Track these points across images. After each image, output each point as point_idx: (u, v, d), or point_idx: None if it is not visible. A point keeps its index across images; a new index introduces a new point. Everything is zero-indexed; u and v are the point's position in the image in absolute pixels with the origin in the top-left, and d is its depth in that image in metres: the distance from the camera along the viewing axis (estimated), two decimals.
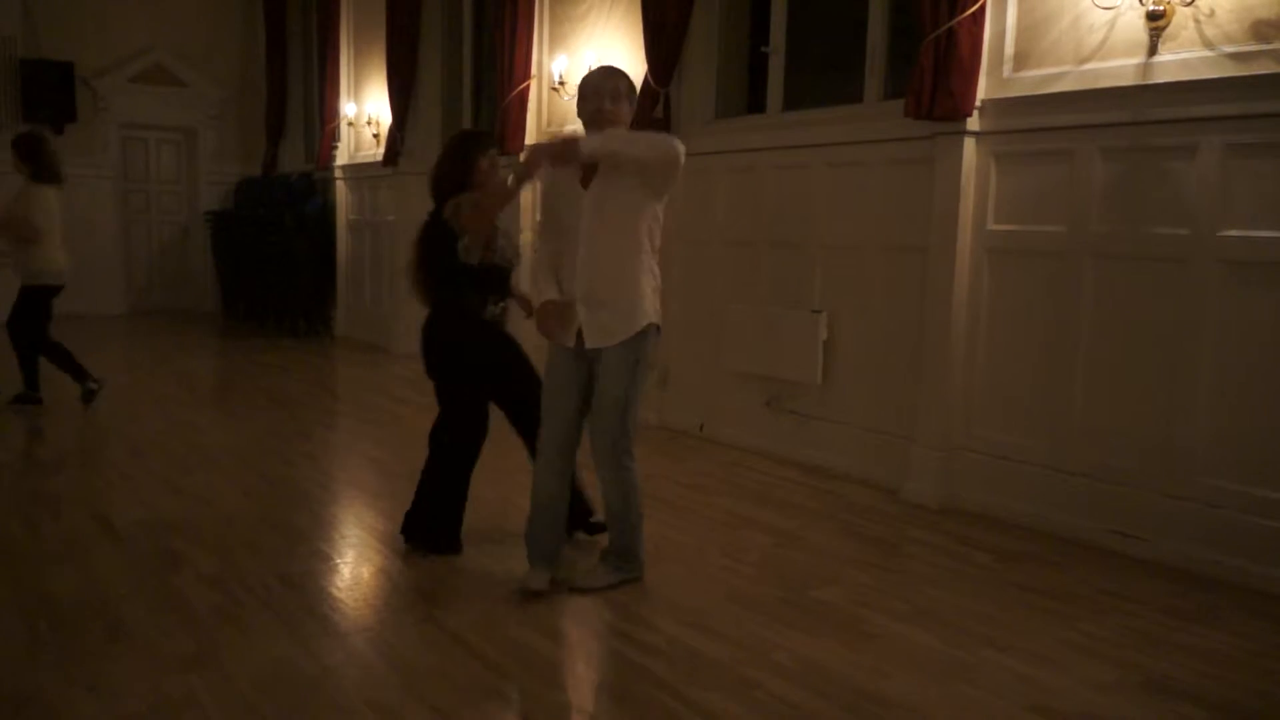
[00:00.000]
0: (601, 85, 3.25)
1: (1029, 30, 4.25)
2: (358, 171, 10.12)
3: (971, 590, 3.53)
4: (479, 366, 3.73)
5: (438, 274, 3.70)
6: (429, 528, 3.74)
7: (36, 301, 6.21)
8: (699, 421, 5.93)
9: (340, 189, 10.40)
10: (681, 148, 3.21)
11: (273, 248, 10.51)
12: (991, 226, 4.41)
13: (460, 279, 3.64)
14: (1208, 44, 3.66)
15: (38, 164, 6.15)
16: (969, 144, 4.39)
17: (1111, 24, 3.93)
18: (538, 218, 3.76)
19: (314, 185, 10.90)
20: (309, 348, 9.70)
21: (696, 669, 2.85)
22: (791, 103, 5.61)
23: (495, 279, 3.72)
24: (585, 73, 3.53)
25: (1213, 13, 3.64)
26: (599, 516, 3.74)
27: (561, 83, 6.87)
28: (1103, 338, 4.04)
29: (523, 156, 3.20)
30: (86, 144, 11.49)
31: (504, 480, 4.40)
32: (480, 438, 3.77)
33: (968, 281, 4.48)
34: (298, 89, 12.19)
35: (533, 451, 3.61)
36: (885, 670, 2.87)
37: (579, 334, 3.27)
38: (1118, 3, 3.87)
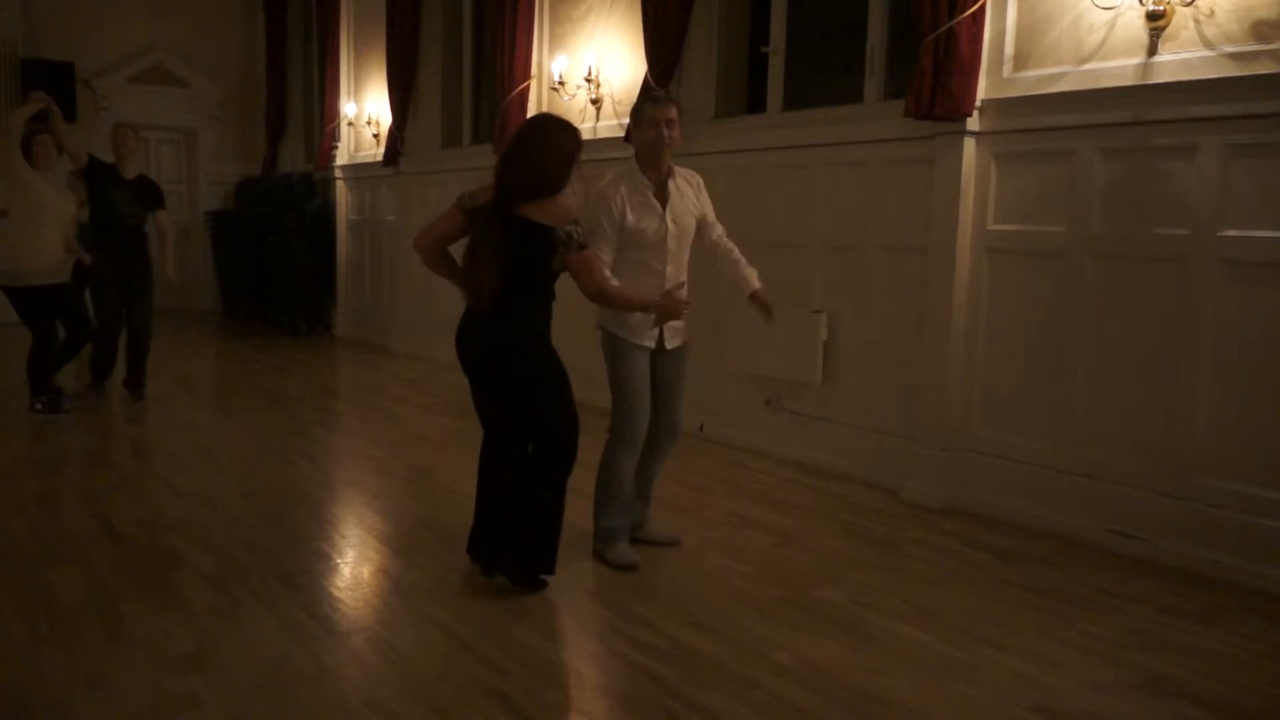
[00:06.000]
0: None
1: (1029, 30, 4.25)
2: (358, 171, 10.13)
3: (971, 590, 3.53)
4: (549, 377, 3.36)
5: (525, 280, 3.25)
6: (521, 558, 3.35)
7: None
8: (699, 422, 5.93)
9: (340, 189, 10.40)
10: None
11: (273, 248, 10.50)
12: (991, 226, 4.41)
13: (549, 288, 3.35)
14: (1208, 44, 3.66)
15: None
16: (969, 144, 4.39)
17: (1111, 24, 3.93)
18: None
19: (314, 185, 10.91)
20: (309, 347, 9.69)
21: (696, 669, 2.85)
22: (791, 103, 5.61)
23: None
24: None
25: (1213, 13, 3.65)
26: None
27: (561, 83, 6.86)
28: (1103, 338, 4.04)
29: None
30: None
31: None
32: (575, 446, 3.41)
33: (968, 281, 4.49)
34: (298, 89, 12.19)
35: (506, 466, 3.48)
36: (885, 670, 2.87)
37: (660, 335, 3.66)
38: (1118, 3, 3.87)
